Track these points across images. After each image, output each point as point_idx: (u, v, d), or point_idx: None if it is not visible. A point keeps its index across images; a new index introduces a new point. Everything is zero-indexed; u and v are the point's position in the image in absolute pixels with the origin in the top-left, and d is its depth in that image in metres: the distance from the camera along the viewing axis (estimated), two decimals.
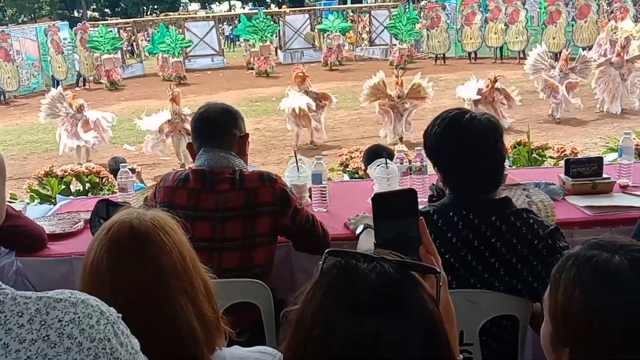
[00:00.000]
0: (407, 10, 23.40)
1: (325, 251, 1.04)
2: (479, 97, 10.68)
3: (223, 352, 1.45)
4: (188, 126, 9.68)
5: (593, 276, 1.18)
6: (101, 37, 22.78)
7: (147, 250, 1.39)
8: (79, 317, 1.05)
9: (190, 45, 24.44)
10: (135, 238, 1.39)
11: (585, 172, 3.08)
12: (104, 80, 22.10)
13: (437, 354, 0.97)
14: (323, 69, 22.33)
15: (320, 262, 1.03)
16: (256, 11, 25.60)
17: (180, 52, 22.81)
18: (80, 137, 10.73)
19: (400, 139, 10.47)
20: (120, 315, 1.15)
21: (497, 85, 10.73)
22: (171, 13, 44.59)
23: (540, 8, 21.87)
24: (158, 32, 23.56)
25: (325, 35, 24.70)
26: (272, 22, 23.90)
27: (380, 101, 10.51)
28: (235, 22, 39.47)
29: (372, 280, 0.96)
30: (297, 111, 10.33)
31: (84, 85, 23.25)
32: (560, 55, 12.75)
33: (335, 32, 23.87)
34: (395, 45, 22.89)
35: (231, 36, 37.58)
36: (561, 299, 1.21)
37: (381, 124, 11.03)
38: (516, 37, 21.91)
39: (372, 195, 1.22)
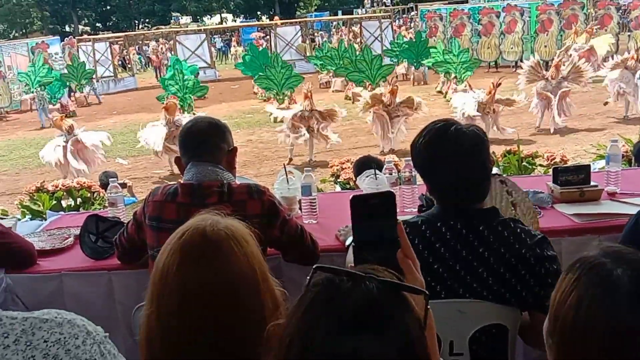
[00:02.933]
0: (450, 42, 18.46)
1: (314, 266, 1.02)
2: (479, 114, 10.66)
3: None
4: None
5: (591, 282, 1.18)
6: None
7: (217, 259, 1.35)
8: (64, 338, 1.05)
9: (205, 94, 17.54)
10: (207, 246, 1.36)
11: (573, 180, 3.10)
12: None
13: None
14: (314, 81, 22.32)
15: (308, 277, 1.01)
16: (251, 24, 22.38)
17: (190, 104, 15.13)
18: (69, 167, 10.13)
19: (392, 150, 10.65)
20: (107, 334, 1.15)
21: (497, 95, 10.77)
22: (163, 27, 44.76)
23: (530, 17, 21.98)
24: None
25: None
26: (293, 72, 14.64)
27: (375, 107, 10.82)
28: (228, 35, 39.71)
29: (355, 299, 0.94)
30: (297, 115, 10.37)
31: None
32: (550, 64, 12.86)
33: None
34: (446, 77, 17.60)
35: (223, 48, 37.73)
36: (559, 297, 1.22)
37: (372, 134, 11.19)
38: (511, 47, 21.94)
39: (351, 196, 1.22)
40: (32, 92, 19.08)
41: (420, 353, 0.96)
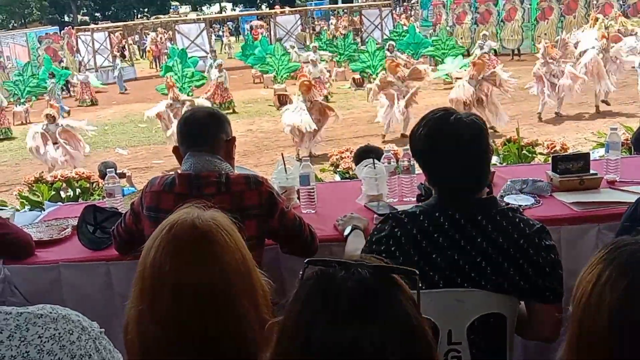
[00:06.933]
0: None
1: (305, 261, 1.03)
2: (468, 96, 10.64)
3: None
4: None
5: (613, 259, 1.16)
6: None
7: (212, 250, 1.36)
8: (59, 333, 1.04)
9: (204, 84, 16.40)
10: (200, 238, 1.37)
11: (572, 168, 3.08)
12: None
13: (418, 357, 0.96)
14: None
15: (301, 272, 1.02)
16: (251, 12, 23.03)
17: (189, 94, 14.43)
18: (47, 154, 9.91)
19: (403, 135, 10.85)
20: (103, 330, 1.14)
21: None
22: (162, 16, 44.62)
23: (531, 4, 21.90)
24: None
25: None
26: (290, 60, 16.90)
27: (384, 90, 11.10)
28: (229, 25, 39.58)
29: (349, 288, 0.95)
30: (297, 130, 10.25)
31: None
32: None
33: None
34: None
35: (222, 38, 37.63)
36: (583, 271, 1.20)
37: (373, 123, 11.25)
38: (511, 36, 21.89)
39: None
40: (23, 104, 17.67)
41: (419, 330, 0.97)
